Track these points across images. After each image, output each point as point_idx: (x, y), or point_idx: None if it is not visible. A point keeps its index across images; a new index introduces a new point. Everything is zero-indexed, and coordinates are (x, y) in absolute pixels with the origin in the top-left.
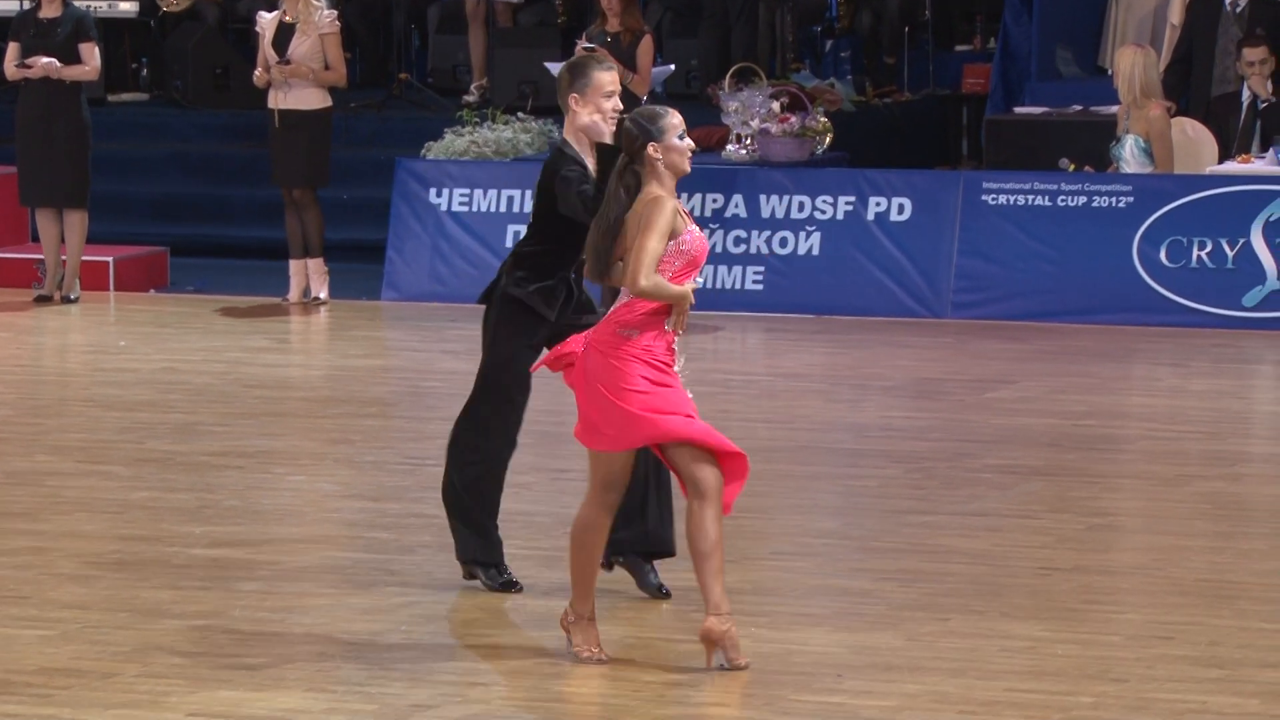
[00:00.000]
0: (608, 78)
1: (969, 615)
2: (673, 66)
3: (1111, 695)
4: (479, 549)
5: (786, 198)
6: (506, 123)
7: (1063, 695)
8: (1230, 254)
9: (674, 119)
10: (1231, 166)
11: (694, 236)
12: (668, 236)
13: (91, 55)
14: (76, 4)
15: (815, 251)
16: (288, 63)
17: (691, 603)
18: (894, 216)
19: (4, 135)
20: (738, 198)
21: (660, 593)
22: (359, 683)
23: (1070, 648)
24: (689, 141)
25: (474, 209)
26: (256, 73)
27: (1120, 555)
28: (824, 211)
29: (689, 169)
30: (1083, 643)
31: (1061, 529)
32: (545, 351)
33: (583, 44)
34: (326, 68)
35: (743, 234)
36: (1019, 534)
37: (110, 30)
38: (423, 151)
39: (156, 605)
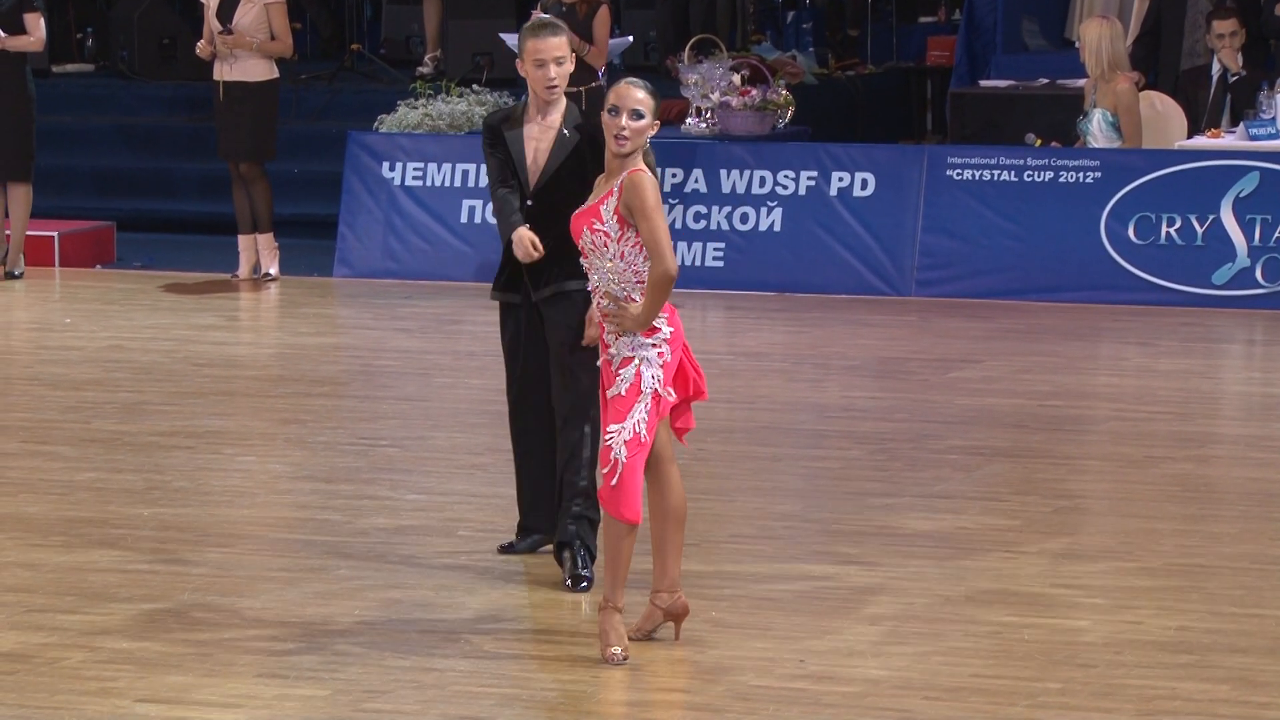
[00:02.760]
0: (540, 45)
1: (933, 599)
2: (630, 39)
3: (1079, 681)
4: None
5: (747, 173)
6: (461, 95)
7: (1029, 681)
8: (1200, 231)
9: (617, 93)
10: (1201, 141)
11: None
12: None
13: (36, 25)
14: None
15: (777, 228)
16: (230, 33)
17: (645, 586)
18: (857, 192)
19: None
20: (697, 172)
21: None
22: (311, 668)
23: (1037, 632)
24: (623, 119)
25: (428, 183)
26: (200, 44)
27: (1087, 538)
28: (785, 187)
29: (617, 149)
30: (1049, 628)
31: (1027, 511)
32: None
33: (537, 15)
34: (273, 38)
35: (703, 210)
36: (984, 516)
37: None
38: (375, 124)
39: (104, 589)
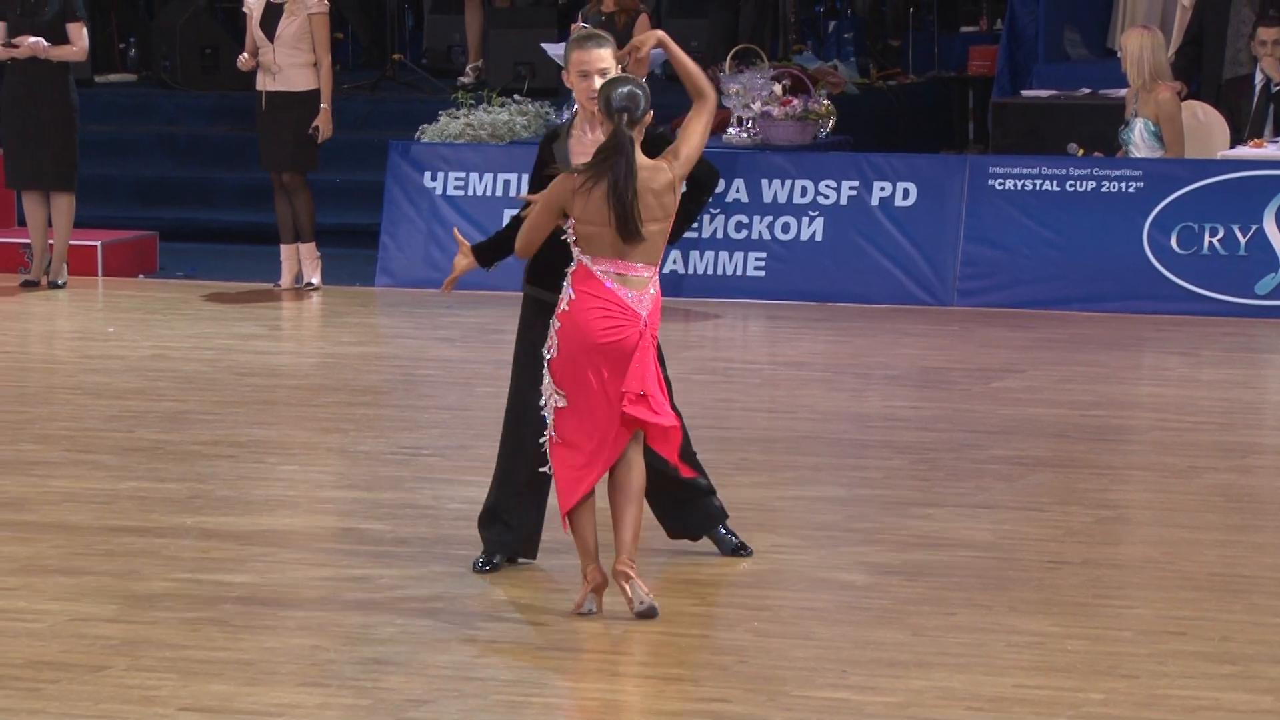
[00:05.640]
0: (585, 56)
1: (975, 609)
2: None
3: (1122, 691)
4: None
5: (789, 182)
6: (502, 105)
7: (1072, 691)
8: (1242, 241)
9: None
10: (1244, 151)
11: None
12: None
13: (79, 35)
14: None
15: (818, 237)
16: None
17: (692, 596)
18: (898, 202)
19: None
20: (739, 182)
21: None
22: (354, 677)
23: (1079, 643)
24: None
25: (469, 193)
26: (241, 57)
27: (1130, 548)
28: (827, 196)
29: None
30: (1092, 638)
31: (1070, 521)
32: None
33: (579, 25)
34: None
35: (744, 219)
36: (1026, 526)
37: (98, 9)
38: (417, 134)
39: (146, 597)
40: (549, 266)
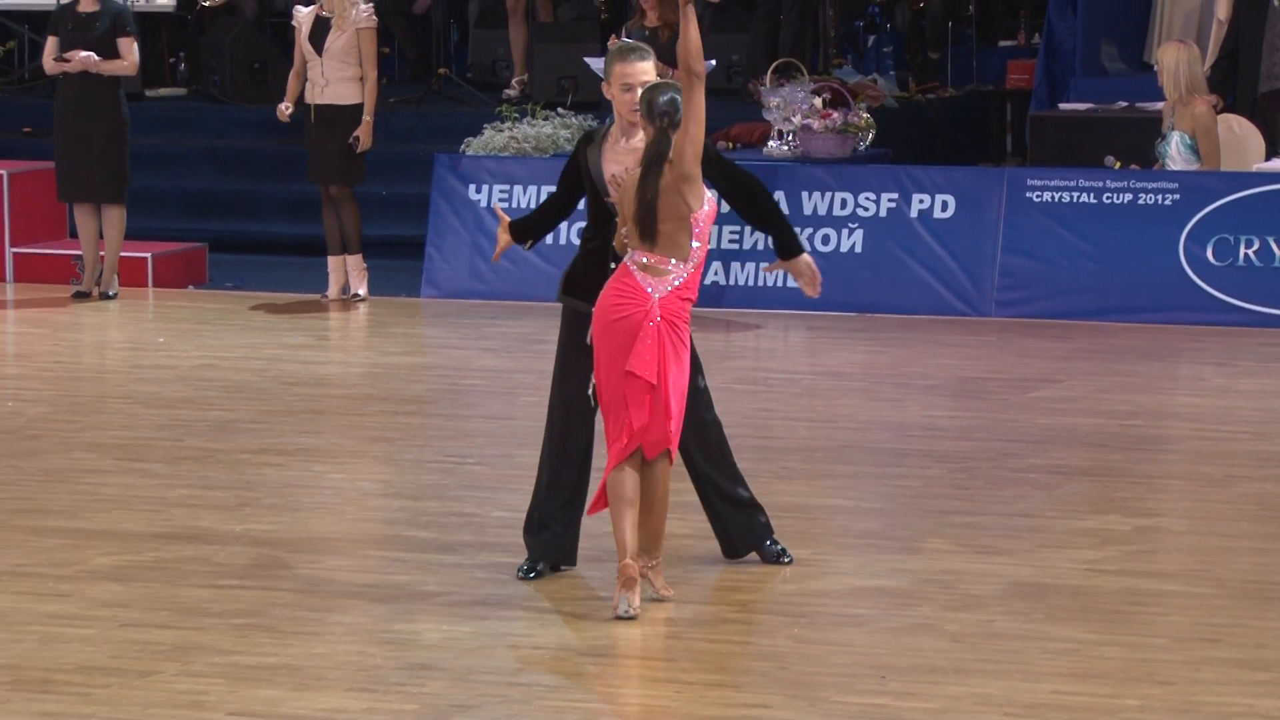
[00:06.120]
0: (628, 69)
1: (1013, 617)
2: (714, 61)
3: (1158, 698)
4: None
5: (829, 194)
6: (546, 118)
7: (1108, 698)
8: (1277, 252)
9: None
10: (1279, 164)
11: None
12: None
13: (130, 50)
14: None
15: (858, 249)
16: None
17: (733, 603)
18: (937, 214)
19: (42, 130)
20: (779, 194)
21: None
22: (399, 682)
23: (1115, 650)
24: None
25: (513, 205)
26: (280, 107)
27: (1166, 556)
28: (866, 208)
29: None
30: (1128, 645)
31: (1107, 530)
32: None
33: (620, 39)
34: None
35: None
36: (1063, 535)
37: (148, 25)
38: (462, 147)
39: (196, 603)
40: (585, 279)
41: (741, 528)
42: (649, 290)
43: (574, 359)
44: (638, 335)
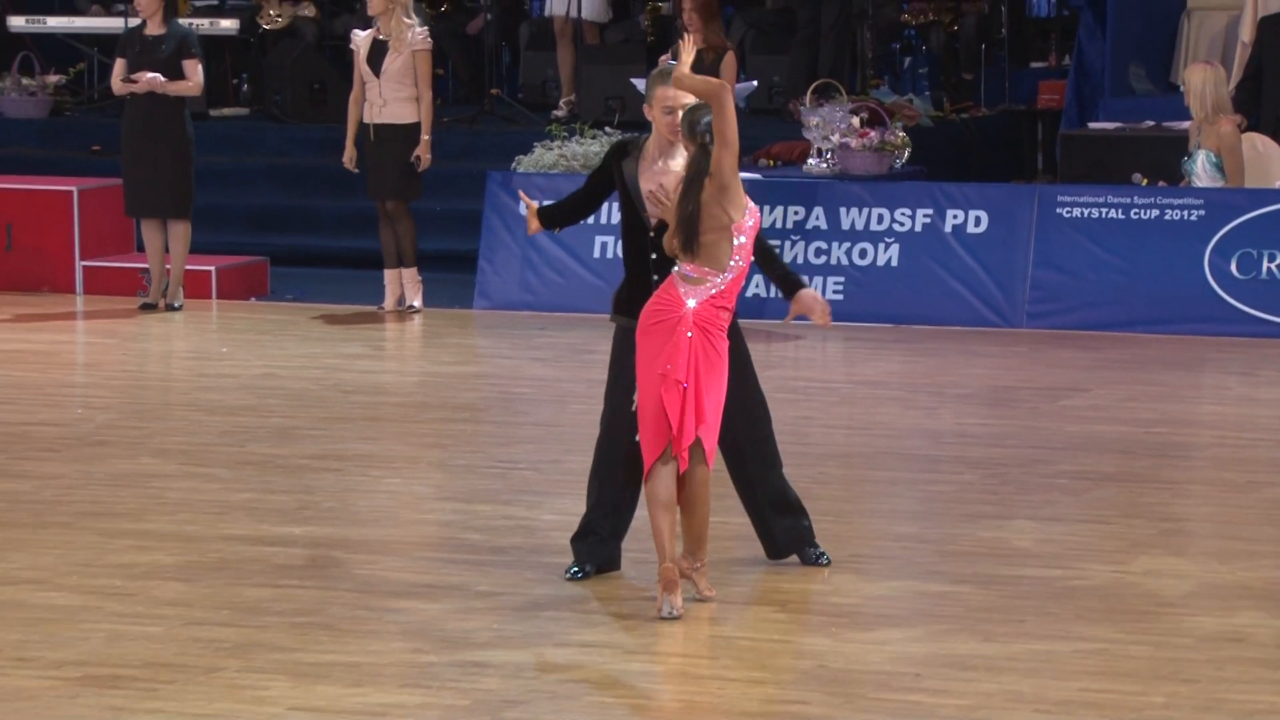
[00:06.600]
0: (669, 92)
1: (1043, 617)
2: (755, 83)
3: (1183, 695)
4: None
5: (866, 210)
6: (594, 137)
7: (1135, 695)
8: None
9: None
10: None
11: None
12: None
13: (195, 71)
14: (180, 22)
15: (894, 263)
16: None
17: (774, 604)
18: (970, 229)
19: (110, 148)
20: (818, 210)
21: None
22: (453, 679)
23: (1142, 649)
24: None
25: None
26: (345, 158)
27: (1191, 559)
28: (902, 224)
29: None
30: (1154, 644)
31: (1133, 533)
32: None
33: (666, 61)
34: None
35: (823, 245)
36: (1092, 538)
37: (212, 47)
38: (513, 165)
39: (257, 603)
40: (635, 298)
41: (786, 531)
42: (685, 300)
43: (623, 375)
44: (671, 338)
